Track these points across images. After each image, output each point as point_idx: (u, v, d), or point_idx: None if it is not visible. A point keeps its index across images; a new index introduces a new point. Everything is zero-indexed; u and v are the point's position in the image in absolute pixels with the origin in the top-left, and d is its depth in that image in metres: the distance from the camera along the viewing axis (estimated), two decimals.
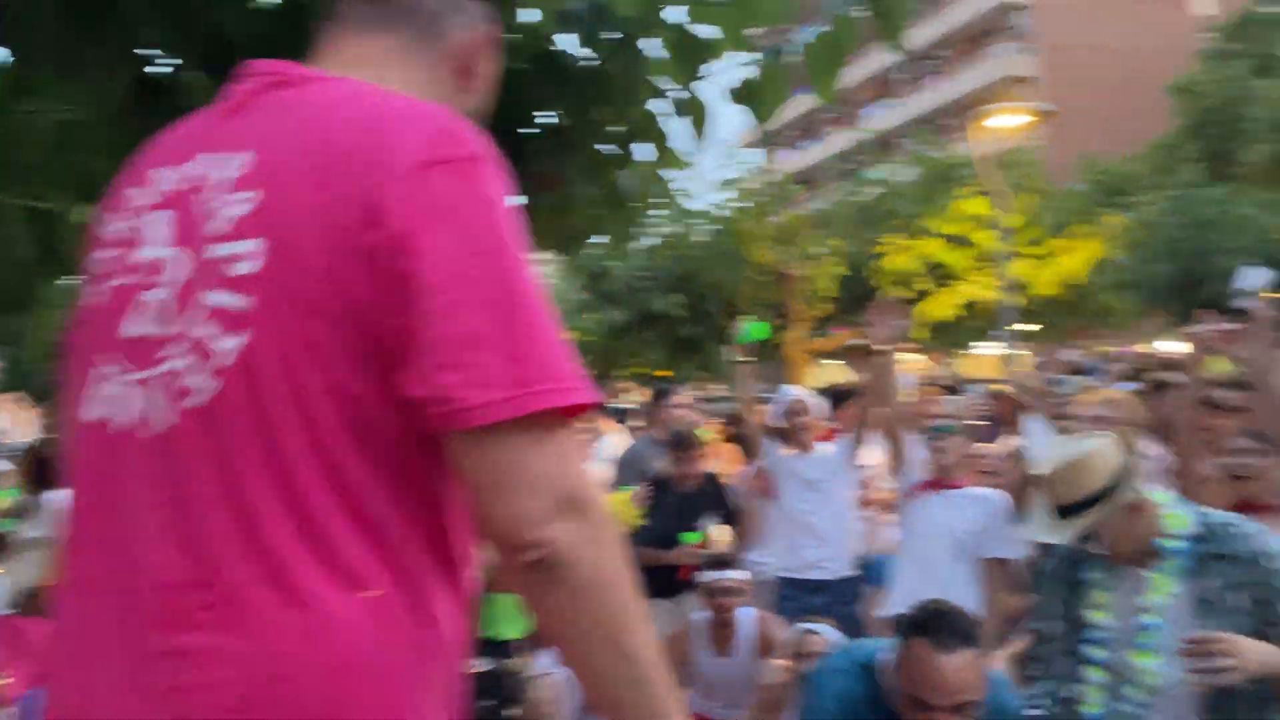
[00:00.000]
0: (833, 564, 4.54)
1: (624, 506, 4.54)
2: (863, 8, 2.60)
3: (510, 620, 3.70)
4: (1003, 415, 5.25)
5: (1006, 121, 8.19)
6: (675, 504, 4.73)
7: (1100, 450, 2.44)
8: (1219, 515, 2.51)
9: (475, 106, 1.25)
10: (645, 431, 5.81)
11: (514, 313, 0.96)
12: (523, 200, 3.16)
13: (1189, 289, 13.41)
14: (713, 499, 4.86)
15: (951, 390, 17.62)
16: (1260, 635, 2.30)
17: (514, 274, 0.98)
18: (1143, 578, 2.44)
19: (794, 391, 4.91)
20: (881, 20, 2.63)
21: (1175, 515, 2.47)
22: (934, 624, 2.49)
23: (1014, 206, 9.26)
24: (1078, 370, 20.20)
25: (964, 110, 37.68)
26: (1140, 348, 21.77)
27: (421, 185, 0.96)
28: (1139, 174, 24.24)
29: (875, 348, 4.22)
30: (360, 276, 0.95)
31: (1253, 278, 3.11)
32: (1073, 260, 9.06)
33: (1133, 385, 12.06)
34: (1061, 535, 2.45)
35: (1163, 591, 2.40)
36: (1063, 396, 3.62)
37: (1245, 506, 3.48)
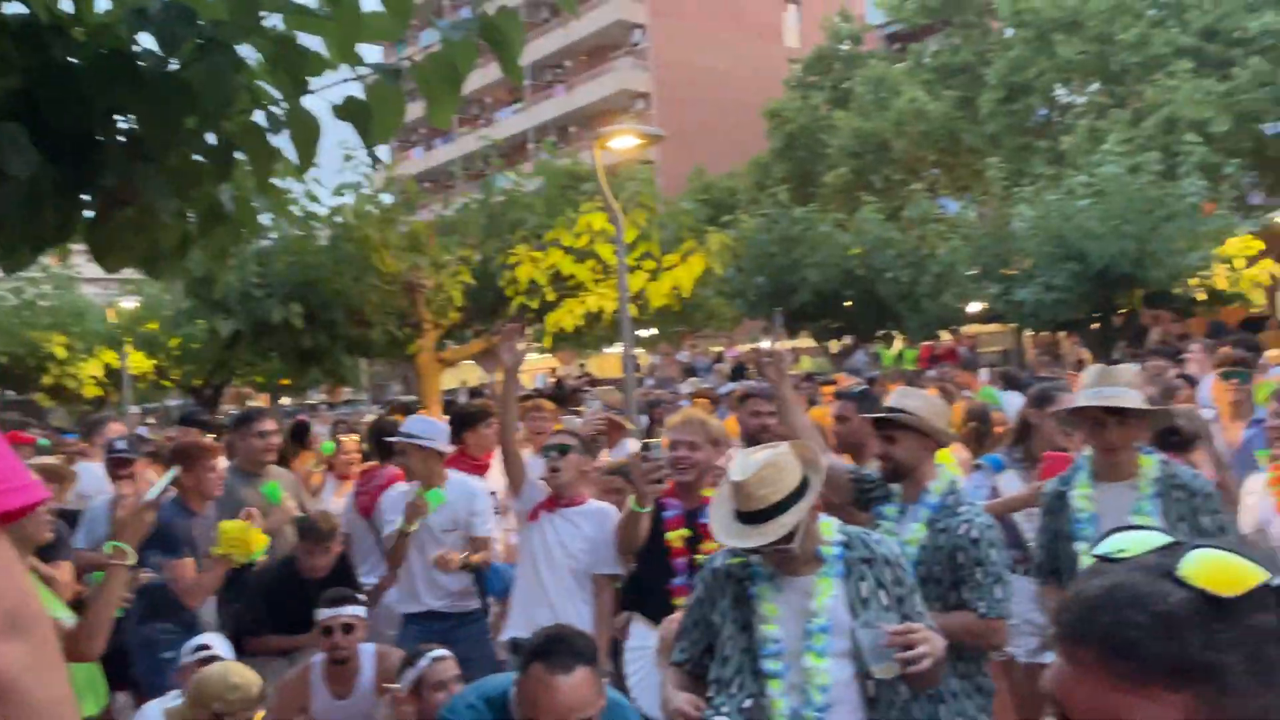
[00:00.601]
0: (455, 605, 4.49)
1: (247, 534, 4.12)
2: (476, 33, 2.57)
3: (88, 694, 3.23)
4: (606, 434, 5.50)
5: (624, 142, 8.61)
6: (303, 590, 4.30)
7: (785, 456, 2.55)
8: (851, 526, 2.74)
9: None
10: (231, 460, 5.25)
11: None
12: (96, 215, 2.78)
13: (782, 298, 15.02)
14: (342, 582, 4.47)
15: (591, 383, 18.30)
16: None
17: None
18: (808, 584, 2.58)
19: (415, 424, 4.66)
20: (496, 49, 2.60)
21: (826, 523, 2.65)
22: (550, 647, 2.51)
23: (630, 222, 9.78)
24: (690, 371, 21.86)
25: (587, 120, 39.41)
26: (743, 348, 24.05)
27: None
28: (740, 191, 26.77)
29: (503, 373, 4.20)
30: None
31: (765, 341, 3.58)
32: (683, 273, 9.75)
33: (735, 385, 13.18)
34: (754, 541, 2.49)
35: (827, 595, 2.55)
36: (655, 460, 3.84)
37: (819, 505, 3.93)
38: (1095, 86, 19.85)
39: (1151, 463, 3.36)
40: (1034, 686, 4.18)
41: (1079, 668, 0.88)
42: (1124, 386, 3.29)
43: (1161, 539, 0.93)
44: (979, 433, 5.92)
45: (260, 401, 21.47)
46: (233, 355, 12.91)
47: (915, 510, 3.19)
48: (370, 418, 10.32)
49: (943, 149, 22.19)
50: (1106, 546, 0.95)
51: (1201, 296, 14.35)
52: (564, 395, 13.77)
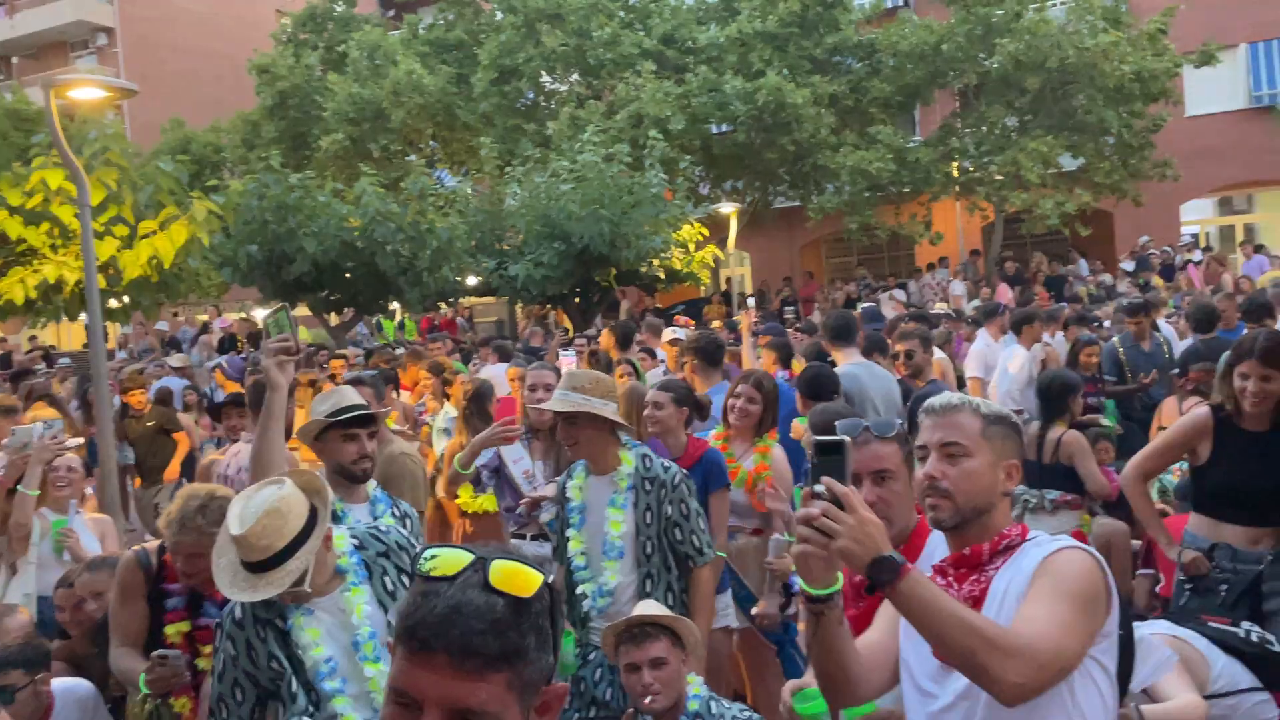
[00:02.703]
0: None
1: None
2: None
3: None
4: None
5: (87, 93, 7.55)
6: None
7: (287, 496, 2.43)
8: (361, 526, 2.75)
9: None
10: None
11: None
12: None
13: (275, 267, 14.28)
14: None
15: (45, 358, 15.93)
16: None
17: None
18: (339, 600, 2.55)
19: None
20: None
21: (339, 535, 2.61)
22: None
23: (97, 181, 8.64)
24: (173, 343, 19.97)
25: (36, 51, 33.81)
26: (233, 317, 22.48)
27: None
28: (225, 149, 24.81)
29: None
30: None
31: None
32: (162, 241, 8.81)
33: (232, 358, 12.29)
34: (265, 592, 2.39)
35: (362, 604, 2.56)
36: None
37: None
38: (575, 77, 21.46)
39: (630, 459, 3.65)
40: None
41: (433, 669, 1.13)
42: (568, 390, 3.56)
43: (466, 556, 1.19)
44: (472, 412, 6.18)
45: None
46: None
47: (370, 508, 3.31)
48: None
49: (439, 123, 22.51)
50: (427, 565, 1.19)
51: (662, 275, 16.34)
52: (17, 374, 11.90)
